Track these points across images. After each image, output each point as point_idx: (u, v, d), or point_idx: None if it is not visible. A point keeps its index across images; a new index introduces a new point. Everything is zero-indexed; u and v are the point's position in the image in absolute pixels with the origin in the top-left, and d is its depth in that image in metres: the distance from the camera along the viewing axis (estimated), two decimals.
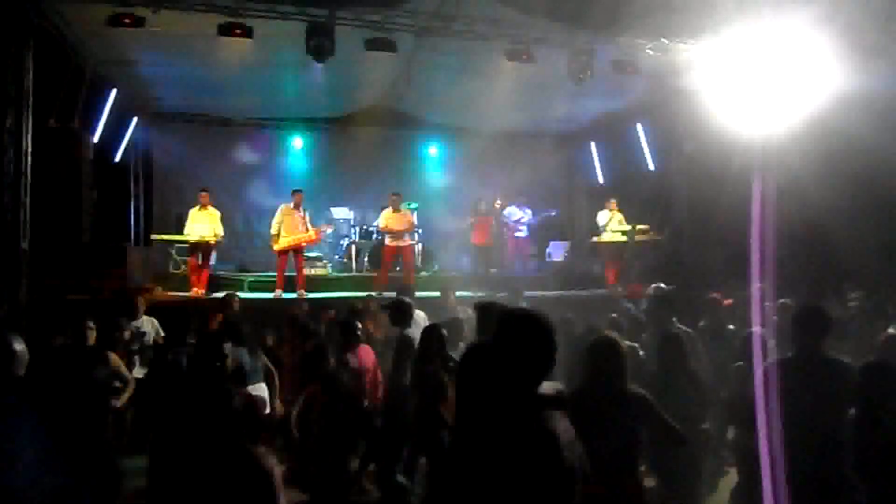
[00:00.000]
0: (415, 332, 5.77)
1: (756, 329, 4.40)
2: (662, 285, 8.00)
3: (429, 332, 5.27)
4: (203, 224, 10.78)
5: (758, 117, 8.41)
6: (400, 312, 6.09)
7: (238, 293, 8.98)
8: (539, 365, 2.23)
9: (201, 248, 10.79)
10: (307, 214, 11.02)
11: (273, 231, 10.83)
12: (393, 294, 10.68)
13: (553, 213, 13.41)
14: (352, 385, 5.13)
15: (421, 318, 7.89)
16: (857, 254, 8.45)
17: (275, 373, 6.32)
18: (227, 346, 4.33)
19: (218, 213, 11.02)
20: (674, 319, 5.86)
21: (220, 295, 9.05)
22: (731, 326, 6.16)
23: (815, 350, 3.67)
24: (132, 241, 12.72)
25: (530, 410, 2.16)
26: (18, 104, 7.92)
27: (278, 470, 2.80)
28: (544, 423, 2.14)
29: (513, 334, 2.26)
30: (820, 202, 8.39)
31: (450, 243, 13.94)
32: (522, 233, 12.99)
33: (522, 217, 12.95)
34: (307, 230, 10.86)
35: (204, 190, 11.08)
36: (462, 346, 5.48)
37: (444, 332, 5.26)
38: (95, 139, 11.15)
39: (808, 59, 8.09)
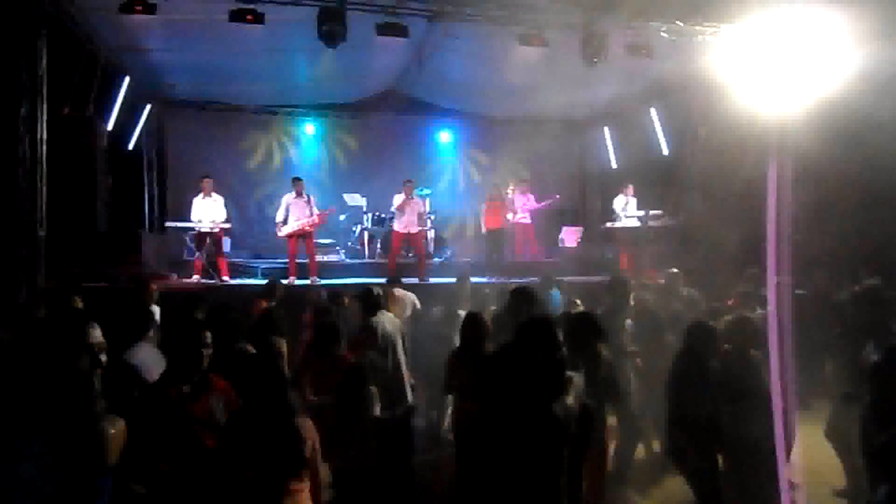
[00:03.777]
0: (382, 319, 5.82)
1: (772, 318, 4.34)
2: (675, 270, 7.95)
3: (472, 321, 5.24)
4: (209, 212, 10.88)
5: (774, 101, 8.29)
6: (367, 302, 6.07)
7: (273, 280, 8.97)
8: None
9: (212, 237, 10.87)
10: (312, 200, 11.10)
11: (279, 219, 10.94)
12: (414, 280, 10.81)
13: (556, 198, 13.33)
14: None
15: (410, 300, 7.95)
16: (874, 238, 8.35)
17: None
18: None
19: (222, 200, 11.09)
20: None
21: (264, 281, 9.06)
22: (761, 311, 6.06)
23: None
24: (146, 228, 12.81)
25: None
26: (33, 92, 7.96)
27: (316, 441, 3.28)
28: None
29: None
30: (837, 187, 8.29)
31: (462, 229, 13.93)
32: (526, 219, 12.96)
33: (525, 203, 12.90)
34: (311, 215, 11.00)
35: (206, 177, 11.12)
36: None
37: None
38: (109, 127, 11.21)
39: (826, 41, 7.95)
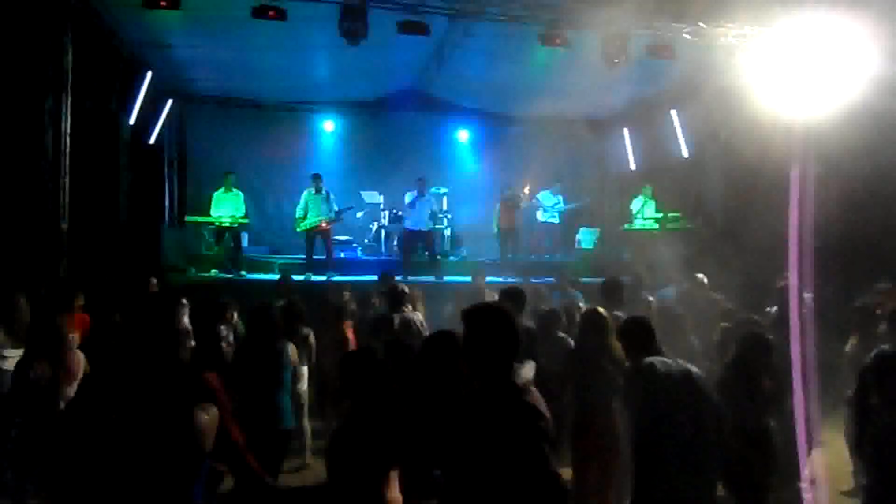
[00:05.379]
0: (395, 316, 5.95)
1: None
2: (701, 275, 7.88)
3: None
4: (228, 206, 11.00)
5: (797, 104, 8.22)
6: (391, 296, 6.22)
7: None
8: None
9: (232, 230, 10.97)
10: (331, 196, 11.19)
11: (298, 214, 11.09)
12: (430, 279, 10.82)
13: (586, 201, 13.34)
14: None
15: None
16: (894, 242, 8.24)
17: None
18: None
19: (241, 195, 11.23)
20: None
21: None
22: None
23: None
24: (166, 222, 12.92)
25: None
26: (58, 86, 8.04)
27: None
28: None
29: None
30: (859, 192, 8.20)
31: (479, 228, 13.93)
32: (555, 219, 12.92)
33: (557, 204, 12.90)
34: (329, 212, 11.08)
35: (230, 172, 11.25)
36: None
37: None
38: (131, 121, 11.31)
39: (849, 45, 7.87)
